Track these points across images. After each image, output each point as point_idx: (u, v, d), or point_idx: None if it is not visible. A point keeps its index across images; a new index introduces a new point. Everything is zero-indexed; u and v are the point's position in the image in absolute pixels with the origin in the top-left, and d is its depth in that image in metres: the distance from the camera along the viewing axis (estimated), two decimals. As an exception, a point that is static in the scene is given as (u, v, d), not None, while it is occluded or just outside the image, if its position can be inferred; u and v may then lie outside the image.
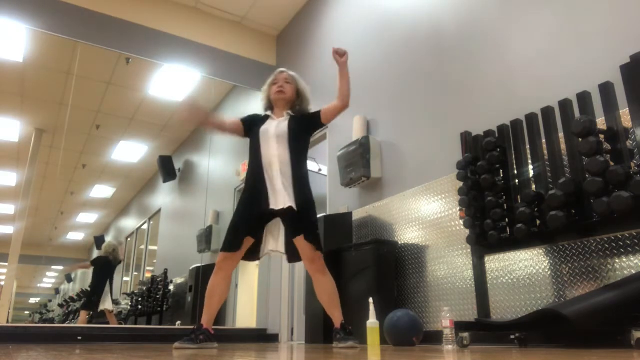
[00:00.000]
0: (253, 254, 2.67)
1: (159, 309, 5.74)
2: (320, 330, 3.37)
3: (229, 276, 2.58)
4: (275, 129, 2.65)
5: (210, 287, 2.54)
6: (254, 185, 2.60)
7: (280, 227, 2.65)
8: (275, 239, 2.67)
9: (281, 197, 2.53)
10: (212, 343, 2.48)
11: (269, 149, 2.62)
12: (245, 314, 5.46)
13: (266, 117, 2.78)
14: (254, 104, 5.63)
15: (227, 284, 2.58)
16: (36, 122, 5.37)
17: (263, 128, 2.69)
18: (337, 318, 2.52)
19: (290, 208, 2.51)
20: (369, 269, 3.13)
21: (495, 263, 2.64)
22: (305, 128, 2.72)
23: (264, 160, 2.61)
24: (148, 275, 6.27)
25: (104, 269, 5.39)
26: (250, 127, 2.77)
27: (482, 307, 2.50)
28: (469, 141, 2.73)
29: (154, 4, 5.24)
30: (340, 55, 2.66)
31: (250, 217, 2.56)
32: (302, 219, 2.53)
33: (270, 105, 2.84)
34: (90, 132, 5.83)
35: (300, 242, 2.53)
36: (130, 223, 6.87)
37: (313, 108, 2.83)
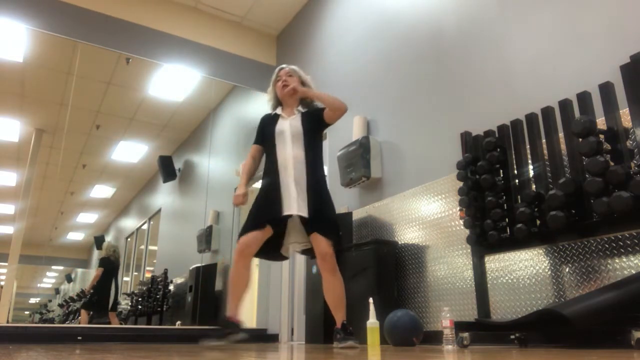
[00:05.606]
0: (276, 254, 2.65)
1: (159, 309, 5.74)
2: (320, 330, 3.37)
3: (249, 264, 2.53)
4: (290, 128, 2.64)
5: (234, 277, 2.50)
6: (269, 190, 2.58)
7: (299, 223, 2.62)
8: (297, 235, 2.62)
9: (294, 202, 2.50)
10: (238, 334, 2.44)
11: (284, 149, 2.60)
12: (245, 314, 5.46)
13: (276, 116, 2.75)
14: (254, 104, 5.63)
15: (250, 271, 2.53)
16: (36, 122, 5.37)
17: (278, 128, 2.66)
18: (339, 318, 2.52)
19: (302, 216, 2.50)
20: (369, 269, 3.13)
21: (495, 263, 2.64)
22: (316, 124, 2.69)
23: (279, 163, 2.59)
24: (148, 275, 6.27)
25: (110, 269, 5.46)
26: (263, 134, 2.75)
27: (482, 307, 2.50)
28: (468, 141, 2.73)
29: (154, 4, 5.24)
30: (293, 91, 2.67)
31: (268, 212, 2.53)
32: (317, 217, 2.52)
33: (278, 104, 2.82)
34: (90, 132, 5.83)
35: (315, 238, 2.51)
36: (130, 223, 6.87)
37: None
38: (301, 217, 2.54)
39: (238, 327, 2.44)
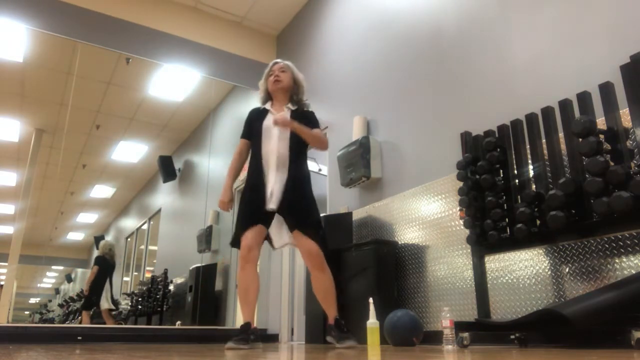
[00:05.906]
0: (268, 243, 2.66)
1: (159, 309, 5.74)
2: (320, 330, 3.37)
3: (255, 268, 2.52)
4: None
5: (243, 284, 2.48)
6: (254, 184, 2.60)
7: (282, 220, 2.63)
8: (286, 231, 2.63)
9: (274, 197, 2.53)
10: (257, 341, 2.48)
11: (269, 145, 2.60)
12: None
13: (265, 111, 2.75)
14: (254, 104, 5.62)
15: (257, 275, 2.52)
16: (36, 122, 5.37)
17: (265, 123, 2.66)
18: (331, 314, 2.52)
19: (279, 209, 2.51)
20: (369, 269, 3.13)
21: (495, 263, 2.64)
22: (305, 125, 2.69)
23: (263, 158, 2.60)
24: (148, 275, 6.27)
25: (104, 268, 5.46)
26: (251, 128, 2.76)
27: (482, 307, 2.50)
28: (468, 141, 2.73)
29: (154, 4, 5.24)
30: (283, 125, 2.52)
31: (253, 211, 2.55)
32: (298, 214, 2.52)
33: (268, 98, 2.82)
34: (90, 132, 5.83)
35: (297, 237, 2.51)
36: (130, 223, 6.86)
37: (316, 110, 2.84)
38: (281, 214, 2.55)
39: (255, 333, 2.45)
